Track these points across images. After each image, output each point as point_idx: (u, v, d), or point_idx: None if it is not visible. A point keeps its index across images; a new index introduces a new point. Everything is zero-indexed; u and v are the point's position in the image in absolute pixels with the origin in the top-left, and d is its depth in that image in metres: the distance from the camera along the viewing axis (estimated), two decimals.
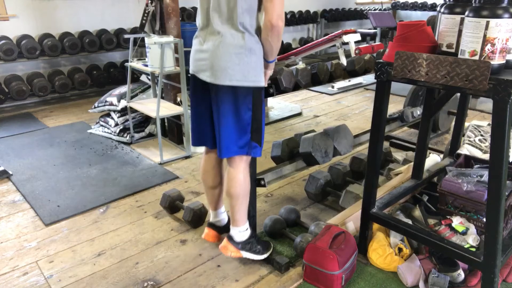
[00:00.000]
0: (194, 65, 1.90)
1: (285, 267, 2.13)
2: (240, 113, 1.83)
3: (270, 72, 1.97)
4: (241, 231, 2.07)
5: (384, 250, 2.12)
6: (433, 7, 9.05)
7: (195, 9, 6.41)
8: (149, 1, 3.65)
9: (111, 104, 3.97)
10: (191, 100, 2.01)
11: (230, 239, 2.09)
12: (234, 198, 1.98)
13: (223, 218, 2.26)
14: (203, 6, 1.84)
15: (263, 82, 1.85)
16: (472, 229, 2.09)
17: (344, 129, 2.63)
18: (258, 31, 1.80)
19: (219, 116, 1.85)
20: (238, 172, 1.95)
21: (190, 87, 1.99)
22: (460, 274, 1.98)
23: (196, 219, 2.50)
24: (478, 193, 2.07)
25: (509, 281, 2.02)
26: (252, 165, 2.09)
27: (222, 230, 2.22)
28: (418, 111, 3.32)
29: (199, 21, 1.89)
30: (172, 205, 2.67)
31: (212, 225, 2.23)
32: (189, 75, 1.98)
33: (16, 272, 2.17)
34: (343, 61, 5.16)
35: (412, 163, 2.57)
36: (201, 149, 2.35)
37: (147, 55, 3.44)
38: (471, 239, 2.01)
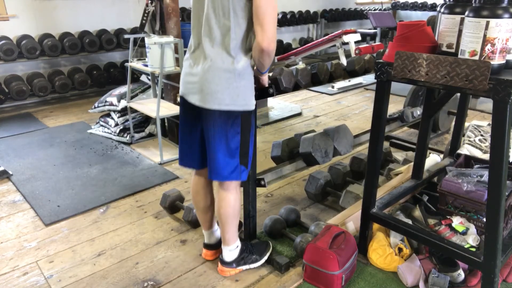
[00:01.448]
0: (184, 87, 1.90)
1: (285, 267, 2.13)
2: (228, 137, 1.83)
3: (265, 78, 1.97)
4: (231, 250, 2.08)
5: (384, 250, 2.12)
6: (433, 7, 9.06)
7: None
8: (149, 1, 3.65)
9: (111, 104, 3.97)
10: (180, 120, 2.00)
11: (223, 262, 2.11)
12: (224, 218, 1.99)
13: (218, 235, 2.25)
14: (194, 30, 1.83)
15: (252, 106, 1.84)
16: (472, 229, 2.09)
17: (344, 129, 2.63)
18: (249, 54, 1.78)
19: (209, 140, 1.85)
20: (229, 193, 1.96)
21: (180, 108, 1.98)
22: (460, 274, 1.98)
23: (196, 219, 2.50)
24: (478, 193, 2.07)
25: (509, 281, 2.02)
26: (252, 165, 2.08)
27: (219, 245, 2.22)
28: (418, 111, 3.32)
29: (190, 43, 1.88)
30: (172, 205, 2.67)
31: (207, 246, 2.23)
32: (179, 96, 1.97)
33: (16, 272, 2.17)
34: (343, 61, 5.16)
35: (412, 163, 2.57)
36: None
37: (147, 55, 3.44)
38: (471, 239, 2.01)
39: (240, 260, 2.11)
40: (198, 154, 1.99)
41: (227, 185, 1.95)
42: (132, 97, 3.93)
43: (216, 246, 2.22)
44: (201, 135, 1.93)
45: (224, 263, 2.10)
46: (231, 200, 1.97)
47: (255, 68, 1.83)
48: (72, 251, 2.34)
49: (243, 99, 1.78)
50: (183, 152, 2.04)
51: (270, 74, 2.16)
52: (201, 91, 1.78)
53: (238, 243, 2.11)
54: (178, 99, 3.73)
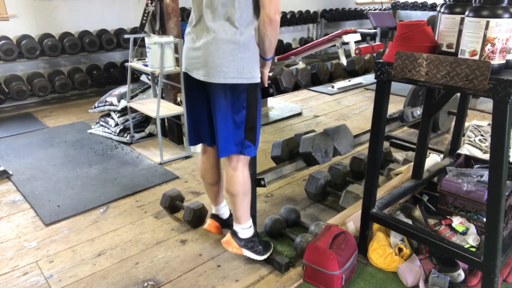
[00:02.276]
0: (187, 63, 1.88)
1: (285, 267, 2.13)
2: (234, 111, 1.81)
3: (267, 71, 1.96)
4: (244, 228, 2.07)
5: (384, 250, 2.12)
6: (433, 7, 9.06)
7: None
8: (149, 1, 3.65)
9: (111, 104, 3.97)
10: (185, 98, 1.98)
11: (234, 234, 2.09)
12: (233, 196, 1.99)
13: (224, 212, 2.27)
14: (195, 3, 1.82)
15: (258, 78, 1.82)
16: (472, 229, 2.09)
17: (344, 129, 2.63)
18: (252, 26, 1.78)
19: (215, 114, 1.84)
20: (236, 170, 1.95)
21: (184, 85, 1.96)
22: (460, 274, 1.98)
23: (196, 219, 2.50)
24: (478, 193, 2.07)
25: (509, 281, 2.02)
26: (252, 165, 2.09)
27: (224, 223, 2.22)
28: (418, 111, 3.32)
29: (191, 17, 1.86)
30: (172, 205, 2.67)
31: (214, 216, 2.24)
32: (182, 72, 1.96)
33: (16, 272, 2.17)
34: (343, 61, 5.17)
35: (412, 163, 2.57)
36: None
37: (147, 55, 3.44)
38: (471, 239, 2.01)
39: (249, 241, 2.09)
40: (207, 129, 1.98)
41: (235, 162, 1.93)
42: (132, 97, 3.93)
43: (221, 221, 2.22)
44: (208, 110, 1.91)
45: (235, 236, 2.07)
46: (239, 177, 1.95)
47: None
48: (72, 251, 2.34)
49: (248, 71, 1.76)
50: (192, 129, 2.02)
51: (270, 74, 2.16)
52: (205, 65, 1.76)
53: (251, 223, 2.10)
54: (178, 99, 3.74)
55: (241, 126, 1.85)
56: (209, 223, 2.24)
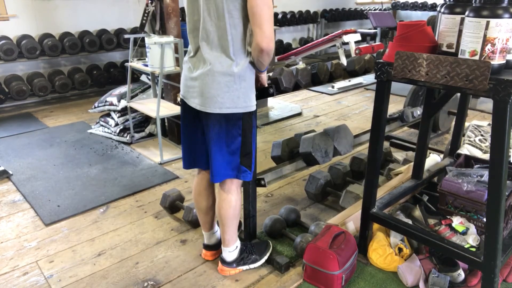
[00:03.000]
0: (184, 90, 1.89)
1: (285, 267, 2.13)
2: (229, 139, 1.82)
3: (264, 76, 1.96)
4: (231, 251, 2.08)
5: (384, 250, 2.12)
6: (433, 7, 9.06)
7: None
8: (149, 1, 3.65)
9: (111, 104, 3.97)
10: (181, 123, 1.99)
11: (223, 262, 2.11)
12: (224, 220, 1.99)
13: (218, 236, 2.25)
14: (191, 35, 1.82)
15: (253, 107, 1.83)
16: (472, 229, 2.09)
17: (344, 129, 2.63)
18: (249, 58, 1.77)
19: (210, 142, 1.85)
20: (229, 194, 1.96)
21: (181, 110, 1.97)
22: (460, 274, 1.98)
23: (196, 219, 2.50)
24: (478, 193, 2.07)
25: (509, 281, 2.02)
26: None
27: (218, 246, 2.22)
28: (418, 111, 3.32)
29: (189, 48, 1.87)
30: (172, 205, 2.67)
31: (207, 247, 2.23)
32: (180, 98, 1.97)
33: (16, 272, 2.17)
34: (343, 61, 5.16)
35: (412, 163, 2.57)
36: None
37: (147, 55, 3.44)
38: (471, 239, 2.01)
39: (240, 260, 2.11)
40: (201, 155, 1.99)
41: (228, 186, 1.95)
42: (132, 97, 3.93)
43: (215, 247, 2.22)
44: (203, 136, 1.93)
45: (224, 262, 2.11)
46: (231, 201, 1.97)
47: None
48: (72, 251, 2.34)
49: (243, 100, 1.78)
50: (186, 153, 2.03)
51: (270, 74, 2.16)
52: (201, 95, 1.77)
53: (237, 244, 2.11)
54: (178, 99, 3.73)
55: (236, 152, 1.86)
56: (204, 253, 2.25)
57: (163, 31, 3.64)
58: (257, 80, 1.91)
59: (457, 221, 2.12)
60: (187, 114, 1.93)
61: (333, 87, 5.83)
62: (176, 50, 3.48)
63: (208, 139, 1.87)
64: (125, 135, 3.89)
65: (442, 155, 3.07)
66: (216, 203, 2.04)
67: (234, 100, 1.75)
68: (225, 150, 1.84)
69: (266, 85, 2.02)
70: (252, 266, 2.14)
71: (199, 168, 2.08)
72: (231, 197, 1.96)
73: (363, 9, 9.62)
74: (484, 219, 1.94)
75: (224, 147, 1.83)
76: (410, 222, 2.22)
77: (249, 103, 1.80)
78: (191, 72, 1.83)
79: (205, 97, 1.76)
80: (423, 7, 9.27)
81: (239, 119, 1.80)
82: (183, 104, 1.92)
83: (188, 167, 2.05)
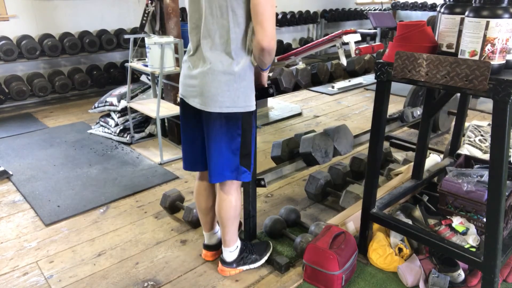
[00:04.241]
0: (183, 89, 1.89)
1: (285, 267, 2.13)
2: (229, 139, 1.82)
3: (266, 74, 1.96)
4: (231, 251, 2.09)
5: (384, 250, 2.12)
6: (433, 7, 9.06)
7: None
8: (149, 1, 3.66)
9: (111, 104, 3.97)
10: (181, 123, 1.98)
11: (223, 262, 2.11)
12: (224, 220, 1.99)
13: (218, 236, 2.25)
14: (192, 33, 1.82)
15: (253, 107, 1.83)
16: (472, 229, 2.09)
17: (344, 129, 2.63)
18: (249, 57, 1.77)
19: (209, 141, 1.85)
20: (229, 195, 1.96)
21: (180, 110, 1.96)
22: (460, 274, 1.98)
23: (196, 219, 2.50)
24: (478, 193, 2.07)
25: (509, 281, 2.02)
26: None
27: (219, 246, 2.22)
28: (418, 111, 3.32)
29: (189, 46, 1.87)
30: (172, 205, 2.67)
31: (207, 247, 2.23)
32: (179, 98, 1.96)
33: (16, 272, 2.17)
34: (343, 61, 5.16)
35: (412, 163, 2.57)
36: None
37: (147, 55, 3.44)
38: (471, 239, 2.01)
39: (240, 260, 2.11)
40: (200, 156, 1.98)
41: (228, 186, 1.95)
42: (132, 97, 3.93)
43: (216, 247, 2.22)
44: (202, 136, 1.92)
45: (224, 263, 2.11)
46: (231, 201, 1.96)
47: (255, 64, 1.82)
48: (72, 251, 2.34)
49: (243, 100, 1.77)
50: (186, 154, 2.02)
51: (270, 74, 2.16)
52: (201, 95, 1.77)
53: (238, 244, 2.11)
54: (178, 99, 3.74)
55: (236, 153, 1.86)
56: (204, 253, 2.25)
57: (163, 31, 3.64)
58: (258, 78, 1.91)
59: (457, 221, 2.11)
60: (186, 113, 1.93)
61: (333, 87, 5.83)
62: (176, 51, 3.48)
63: (207, 138, 1.86)
64: (125, 135, 3.89)
65: (442, 155, 3.07)
66: (216, 204, 2.04)
67: (234, 99, 1.75)
68: (224, 150, 1.84)
69: (266, 85, 2.02)
70: (252, 266, 2.14)
71: (198, 171, 2.08)
72: (231, 197, 1.96)
73: (363, 9, 9.62)
74: (484, 219, 1.94)
75: (224, 147, 1.83)
76: (410, 222, 2.22)
77: (249, 103, 1.80)
78: (190, 71, 1.83)
79: (205, 96, 1.76)
80: (423, 7, 9.27)
81: (238, 119, 1.80)
82: (183, 104, 1.92)
83: (188, 169, 2.04)
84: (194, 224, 2.52)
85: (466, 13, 1.60)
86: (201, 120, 1.87)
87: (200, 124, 1.90)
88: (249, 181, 2.00)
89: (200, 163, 2.01)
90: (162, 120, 3.94)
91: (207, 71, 1.74)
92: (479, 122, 3.08)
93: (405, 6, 9.63)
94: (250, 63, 1.77)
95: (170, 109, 3.54)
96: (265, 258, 2.17)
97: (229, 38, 1.69)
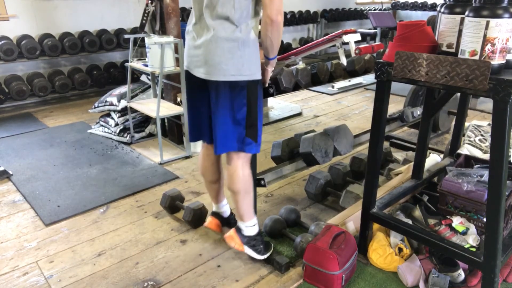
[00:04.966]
0: (188, 61, 1.90)
1: (285, 267, 2.13)
2: (234, 108, 1.82)
3: (271, 70, 1.96)
4: (248, 226, 2.07)
5: (384, 250, 2.12)
6: (433, 7, 9.06)
7: None
8: (149, 1, 3.65)
9: (111, 104, 3.97)
10: (187, 95, 1.99)
11: (238, 231, 2.09)
12: (235, 194, 1.99)
13: (225, 210, 2.27)
14: (196, 1, 1.83)
15: (258, 75, 1.83)
16: (472, 229, 2.09)
17: (344, 129, 2.63)
18: (252, 24, 1.78)
19: (215, 112, 1.85)
20: (236, 168, 1.95)
21: (186, 82, 1.98)
22: (460, 274, 1.98)
23: (196, 219, 2.50)
24: (478, 193, 2.07)
25: (510, 281, 2.02)
26: (252, 165, 2.08)
27: (224, 222, 2.23)
28: (418, 111, 3.32)
29: (191, 15, 1.88)
30: (172, 205, 2.67)
31: (215, 214, 2.24)
32: (184, 69, 1.97)
33: (16, 272, 2.17)
34: (343, 61, 5.17)
35: (412, 163, 2.57)
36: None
37: (147, 55, 3.44)
38: (471, 239, 2.01)
39: (252, 240, 2.09)
40: (207, 127, 1.98)
41: (234, 160, 1.94)
42: (132, 97, 3.93)
43: (222, 220, 2.22)
44: (208, 109, 1.92)
45: (239, 232, 2.08)
46: (239, 175, 1.95)
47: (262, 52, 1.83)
48: (72, 251, 2.34)
49: (248, 68, 1.77)
50: (192, 126, 2.03)
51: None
52: (206, 63, 1.78)
53: (255, 222, 2.10)
54: (178, 99, 3.74)
55: (241, 123, 1.85)
56: (209, 221, 2.25)
57: (163, 31, 3.64)
58: (262, 74, 1.91)
59: (457, 221, 2.12)
60: (192, 85, 1.94)
61: (333, 87, 5.83)
62: (176, 50, 3.48)
63: (212, 108, 1.86)
64: (125, 135, 3.89)
65: (442, 155, 3.07)
66: (226, 178, 2.02)
67: (238, 67, 1.75)
68: (229, 120, 1.83)
69: (267, 85, 2.02)
70: (255, 255, 2.12)
71: (205, 142, 2.08)
72: (238, 171, 1.94)
73: (363, 9, 9.62)
74: (484, 219, 1.94)
75: (229, 116, 1.82)
76: (410, 222, 2.22)
77: (254, 71, 1.80)
78: (194, 41, 1.84)
79: (209, 65, 1.77)
80: (423, 7, 9.26)
81: (244, 88, 1.79)
82: (188, 75, 1.93)
83: (195, 139, 2.07)
84: (194, 224, 2.52)
85: (466, 13, 1.60)
86: (207, 91, 1.86)
87: (205, 95, 1.89)
88: (256, 153, 1.97)
89: (205, 134, 2.02)
90: (162, 120, 3.94)
91: (210, 38, 1.75)
92: (479, 122, 3.08)
93: (405, 6, 9.62)
94: (253, 31, 1.78)
95: (170, 109, 3.54)
96: (266, 256, 2.16)
97: (233, 7, 1.71)
